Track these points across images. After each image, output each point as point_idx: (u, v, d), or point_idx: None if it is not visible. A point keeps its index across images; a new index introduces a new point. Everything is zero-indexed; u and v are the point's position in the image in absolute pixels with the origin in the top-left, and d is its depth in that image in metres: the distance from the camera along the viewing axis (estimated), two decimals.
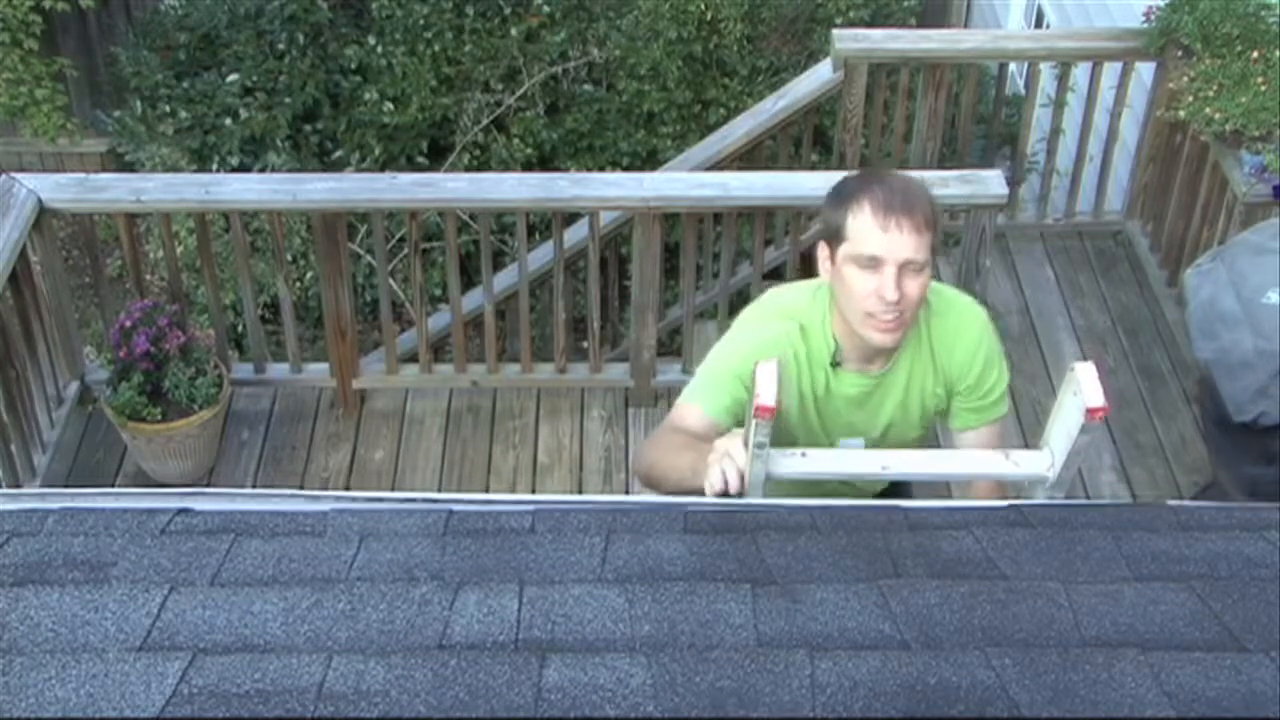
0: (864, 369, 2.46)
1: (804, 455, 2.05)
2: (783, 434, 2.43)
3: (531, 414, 4.54)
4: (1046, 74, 5.01)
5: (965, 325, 2.50)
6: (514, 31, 6.23)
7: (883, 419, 2.52)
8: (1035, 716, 1.38)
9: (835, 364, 2.44)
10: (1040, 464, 2.00)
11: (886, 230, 2.24)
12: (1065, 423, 1.93)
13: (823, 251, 2.37)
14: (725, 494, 2.03)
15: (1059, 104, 4.97)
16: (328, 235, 4.16)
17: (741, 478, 2.01)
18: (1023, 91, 5.62)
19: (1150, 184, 5.08)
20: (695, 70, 6.13)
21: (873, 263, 2.26)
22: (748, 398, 2.34)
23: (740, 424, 2.37)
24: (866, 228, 2.26)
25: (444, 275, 5.09)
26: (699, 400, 2.43)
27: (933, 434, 2.76)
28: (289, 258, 5.23)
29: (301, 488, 4.21)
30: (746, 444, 1.97)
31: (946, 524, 1.74)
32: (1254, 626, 1.52)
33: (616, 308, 5.08)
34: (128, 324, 4.01)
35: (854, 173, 2.50)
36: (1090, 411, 1.84)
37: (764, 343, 2.41)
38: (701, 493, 2.07)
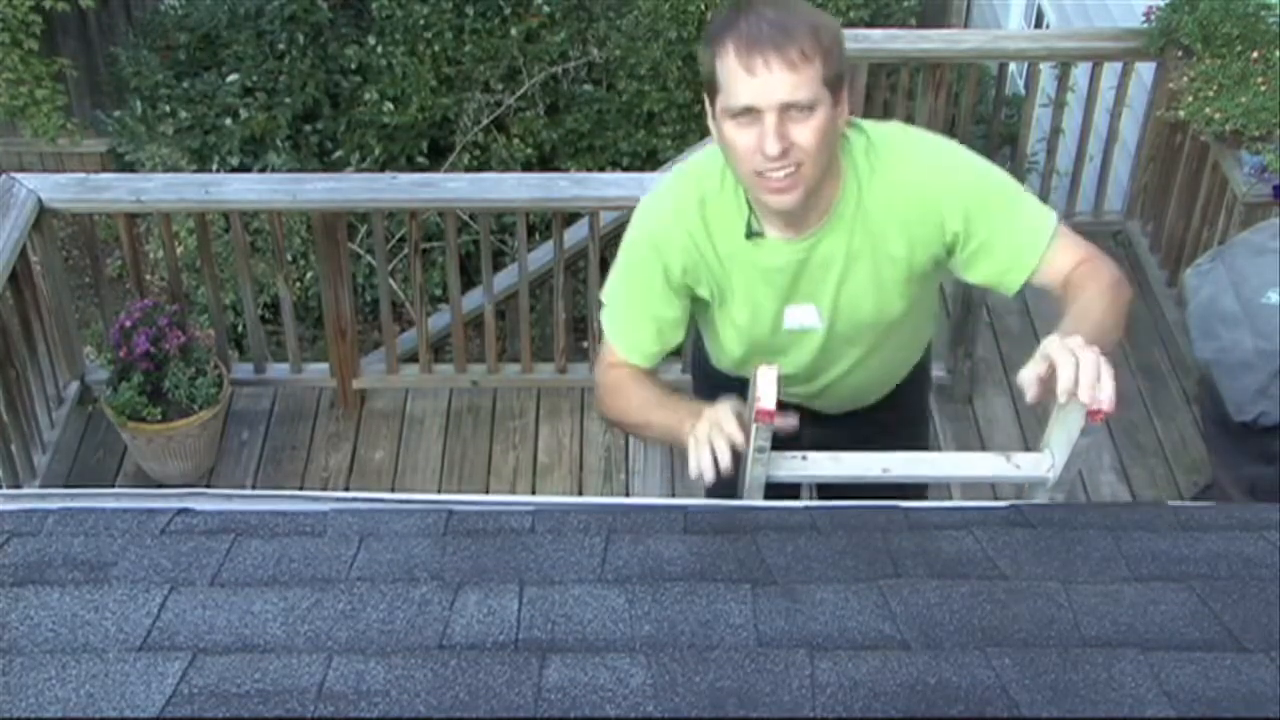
0: (788, 235, 2.11)
1: (804, 458, 2.04)
2: (727, 308, 2.23)
3: (531, 414, 4.54)
4: (1046, 74, 5.01)
5: (901, 183, 2.08)
6: (514, 31, 6.24)
7: (828, 290, 2.18)
8: (1035, 716, 1.38)
9: (752, 234, 2.11)
10: (1041, 466, 2.00)
11: (753, 72, 1.88)
12: (1066, 425, 1.93)
13: (708, 108, 2.01)
14: (716, 473, 1.86)
15: (1059, 104, 4.96)
16: (328, 235, 4.16)
17: (734, 452, 1.86)
18: (1023, 91, 5.62)
19: (1150, 184, 5.07)
20: (695, 70, 6.11)
21: (748, 114, 1.91)
22: (661, 312, 2.18)
23: (667, 333, 2.21)
24: (732, 73, 1.90)
25: (444, 275, 5.09)
26: (619, 343, 2.22)
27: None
28: (289, 258, 5.23)
29: (301, 488, 4.21)
30: (742, 431, 1.90)
31: (946, 524, 1.74)
32: (1254, 626, 1.52)
33: None
34: (128, 324, 4.01)
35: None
36: (1091, 414, 1.84)
37: (656, 243, 2.14)
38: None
